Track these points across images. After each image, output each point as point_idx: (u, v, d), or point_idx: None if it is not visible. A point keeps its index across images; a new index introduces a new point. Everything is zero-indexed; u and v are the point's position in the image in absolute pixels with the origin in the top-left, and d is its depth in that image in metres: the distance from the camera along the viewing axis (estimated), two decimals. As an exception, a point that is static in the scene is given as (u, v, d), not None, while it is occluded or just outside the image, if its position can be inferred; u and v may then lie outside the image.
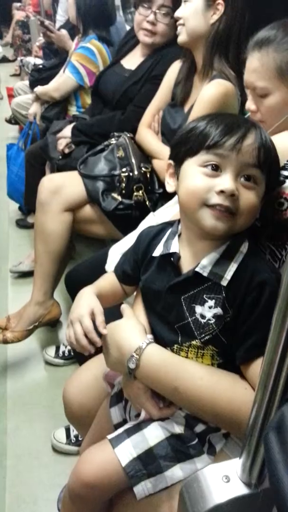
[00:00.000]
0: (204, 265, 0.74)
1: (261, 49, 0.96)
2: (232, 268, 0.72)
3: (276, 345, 0.48)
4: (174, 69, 1.59)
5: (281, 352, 0.48)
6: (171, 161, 0.81)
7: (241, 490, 0.59)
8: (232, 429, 0.76)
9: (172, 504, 0.74)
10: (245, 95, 1.10)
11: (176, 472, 0.76)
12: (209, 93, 1.37)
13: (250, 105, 1.03)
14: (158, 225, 0.89)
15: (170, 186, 0.82)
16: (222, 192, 0.69)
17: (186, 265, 0.78)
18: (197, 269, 0.74)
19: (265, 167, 0.72)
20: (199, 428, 0.78)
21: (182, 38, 1.45)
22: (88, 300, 0.84)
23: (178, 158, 0.78)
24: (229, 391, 0.71)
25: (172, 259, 0.79)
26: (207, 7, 1.38)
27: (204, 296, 0.74)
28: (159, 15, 1.69)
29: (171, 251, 0.79)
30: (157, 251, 0.82)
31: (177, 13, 1.44)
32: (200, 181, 0.72)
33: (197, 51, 1.46)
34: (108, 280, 0.93)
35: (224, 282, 0.72)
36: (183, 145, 0.76)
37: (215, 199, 0.70)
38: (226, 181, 0.70)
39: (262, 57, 0.95)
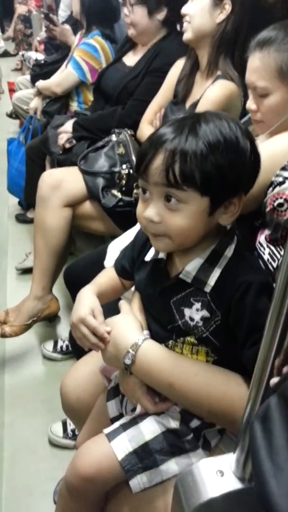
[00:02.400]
0: (188, 271, 0.74)
1: (262, 49, 0.97)
2: (216, 273, 0.73)
3: (270, 342, 0.49)
4: (177, 67, 1.60)
5: (275, 349, 0.49)
6: None
7: (235, 484, 0.60)
8: (226, 425, 0.77)
9: (167, 498, 0.75)
10: (248, 95, 1.11)
11: (172, 466, 0.77)
12: (213, 94, 1.38)
13: (250, 104, 1.03)
14: None
15: None
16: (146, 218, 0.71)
17: (174, 269, 0.79)
18: (181, 276, 0.75)
19: (184, 184, 0.66)
20: (195, 423, 0.79)
21: (187, 35, 1.45)
22: (87, 301, 0.84)
23: None
24: (224, 387, 0.72)
25: (161, 264, 0.80)
26: (214, 6, 1.38)
27: (191, 299, 0.75)
28: (129, 7, 1.75)
29: (159, 256, 0.80)
30: (149, 256, 0.83)
31: (184, 10, 1.44)
32: (139, 207, 0.74)
33: (201, 50, 1.46)
34: (108, 275, 0.94)
35: (208, 288, 0.73)
36: None
37: (145, 226, 0.73)
38: (148, 207, 0.71)
39: (263, 57, 0.96)
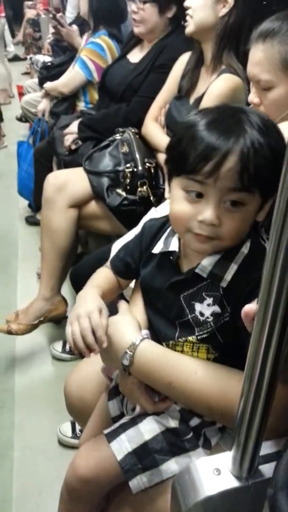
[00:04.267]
0: (204, 266, 0.73)
1: (265, 41, 0.94)
2: (232, 270, 0.71)
3: (260, 336, 0.47)
4: (181, 62, 1.59)
5: (265, 342, 0.47)
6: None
7: (232, 483, 0.59)
8: (227, 422, 0.76)
9: (167, 497, 0.74)
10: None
11: (172, 466, 0.76)
12: (218, 88, 1.37)
13: (253, 98, 1.01)
14: (161, 218, 0.87)
15: (167, 192, 0.82)
16: (202, 221, 0.68)
17: (186, 263, 0.78)
18: (196, 270, 0.73)
19: (254, 186, 0.67)
20: (194, 422, 0.78)
21: (189, 29, 1.45)
22: (95, 300, 0.80)
23: (168, 172, 0.76)
24: (223, 385, 0.71)
25: (171, 257, 0.78)
26: None
27: (203, 293, 0.73)
28: (139, 3, 1.74)
29: (170, 249, 0.78)
30: (157, 248, 0.81)
31: (187, 3, 1.44)
32: (183, 208, 0.70)
33: (206, 43, 1.45)
34: (104, 276, 0.91)
35: (224, 284, 0.71)
36: (168, 161, 0.75)
37: (197, 228, 0.69)
38: (206, 210, 0.67)
39: (267, 49, 0.94)
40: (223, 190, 0.67)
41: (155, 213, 1.26)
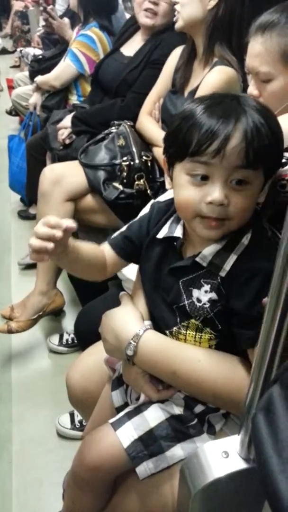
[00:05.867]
0: (205, 255, 0.74)
1: (264, 33, 0.95)
2: (231, 260, 0.72)
3: (271, 323, 0.49)
4: (174, 56, 1.59)
5: (276, 329, 0.49)
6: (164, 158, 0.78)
7: (240, 465, 0.61)
8: (231, 408, 0.78)
9: (173, 483, 0.76)
10: (247, 81, 1.10)
11: (177, 451, 0.78)
12: (211, 80, 1.37)
13: (252, 90, 1.02)
14: (166, 201, 0.85)
15: (168, 183, 0.80)
16: (211, 203, 0.68)
17: (188, 250, 0.78)
18: (197, 259, 0.74)
19: (258, 163, 0.67)
20: (198, 408, 0.79)
21: (178, 24, 1.45)
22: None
23: (169, 160, 0.76)
24: (228, 372, 0.73)
25: (175, 243, 0.79)
26: None
27: (202, 280, 0.74)
28: None
29: (175, 235, 0.78)
30: (161, 233, 0.80)
31: None
32: (189, 193, 0.70)
33: (197, 37, 1.46)
34: (94, 247, 0.84)
35: (223, 273, 0.72)
36: (170, 147, 0.74)
37: (206, 210, 0.69)
38: (214, 191, 0.67)
39: (266, 41, 0.94)
40: (229, 169, 0.67)
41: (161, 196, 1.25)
